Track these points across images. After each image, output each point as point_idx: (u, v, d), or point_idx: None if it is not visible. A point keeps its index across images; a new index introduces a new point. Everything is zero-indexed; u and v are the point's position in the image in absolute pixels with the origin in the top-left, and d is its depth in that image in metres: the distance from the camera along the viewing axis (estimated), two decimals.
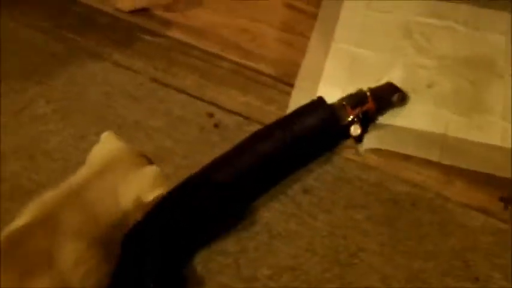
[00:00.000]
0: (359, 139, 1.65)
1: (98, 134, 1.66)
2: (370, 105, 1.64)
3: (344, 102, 1.64)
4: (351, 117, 1.62)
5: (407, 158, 1.63)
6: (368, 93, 1.64)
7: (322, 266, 1.47)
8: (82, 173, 1.29)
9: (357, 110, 1.63)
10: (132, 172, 1.28)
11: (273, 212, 1.56)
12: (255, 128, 1.66)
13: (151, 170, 1.30)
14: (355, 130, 1.63)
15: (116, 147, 1.35)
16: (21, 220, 1.21)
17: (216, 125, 1.71)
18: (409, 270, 1.47)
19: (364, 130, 1.65)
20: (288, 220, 1.54)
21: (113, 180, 1.26)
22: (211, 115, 1.73)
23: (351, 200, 1.57)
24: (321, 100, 1.63)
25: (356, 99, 1.64)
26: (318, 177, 1.60)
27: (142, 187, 1.26)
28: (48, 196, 1.25)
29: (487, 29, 1.84)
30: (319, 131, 1.62)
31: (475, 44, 1.82)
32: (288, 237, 1.51)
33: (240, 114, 1.73)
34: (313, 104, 1.64)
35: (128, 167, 1.29)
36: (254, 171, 1.56)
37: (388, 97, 1.68)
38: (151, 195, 1.26)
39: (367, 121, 1.66)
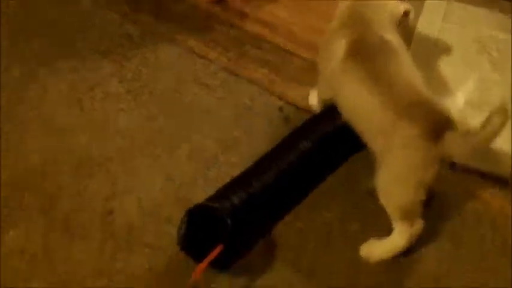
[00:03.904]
0: None
1: (167, 117, 1.73)
2: None
3: None
4: None
5: (475, 172, 1.61)
6: None
7: (380, 269, 1.47)
8: None
9: None
10: None
11: (335, 213, 1.56)
12: None
13: None
14: None
15: None
16: None
17: (285, 119, 1.72)
18: (468, 284, 1.46)
19: None
20: (350, 221, 1.55)
21: None
22: (280, 109, 1.74)
23: None
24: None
25: None
26: None
27: None
28: None
29: None
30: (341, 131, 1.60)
31: None
32: (349, 238, 1.52)
33: (309, 111, 1.72)
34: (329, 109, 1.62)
35: None
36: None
37: None
38: None
39: None
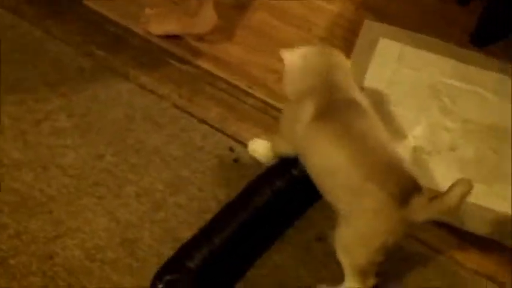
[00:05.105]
0: None
1: (115, 155, 1.69)
2: None
3: None
4: None
5: None
6: None
7: None
8: None
9: None
10: None
11: (284, 256, 1.54)
12: None
13: None
14: None
15: None
16: None
17: (235, 160, 1.69)
18: None
19: None
20: (298, 266, 1.52)
21: None
22: (231, 149, 1.72)
23: None
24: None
25: None
26: (333, 225, 1.58)
27: None
28: None
29: None
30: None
31: (501, 112, 1.81)
32: (298, 283, 1.49)
33: None
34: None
35: None
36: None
37: None
38: None
39: None
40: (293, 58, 1.55)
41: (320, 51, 1.57)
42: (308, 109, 1.44)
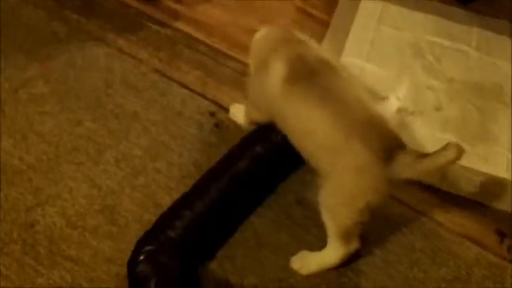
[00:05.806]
0: None
1: (94, 121, 1.66)
2: None
3: None
4: None
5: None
6: None
7: (310, 282, 1.45)
8: None
9: None
10: None
11: (264, 220, 1.53)
12: None
13: None
14: None
15: None
16: None
17: (216, 125, 1.67)
18: None
19: None
20: (279, 230, 1.52)
21: None
22: (212, 114, 1.69)
23: None
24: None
25: None
26: (313, 189, 1.54)
27: None
28: None
29: (498, 55, 1.81)
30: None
31: (486, 70, 1.79)
32: (278, 247, 1.49)
33: None
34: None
35: None
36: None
37: None
38: None
39: None
40: (257, 36, 1.55)
41: (281, 29, 1.57)
42: (277, 71, 1.41)
